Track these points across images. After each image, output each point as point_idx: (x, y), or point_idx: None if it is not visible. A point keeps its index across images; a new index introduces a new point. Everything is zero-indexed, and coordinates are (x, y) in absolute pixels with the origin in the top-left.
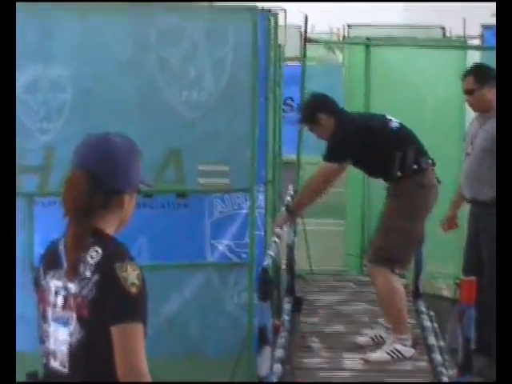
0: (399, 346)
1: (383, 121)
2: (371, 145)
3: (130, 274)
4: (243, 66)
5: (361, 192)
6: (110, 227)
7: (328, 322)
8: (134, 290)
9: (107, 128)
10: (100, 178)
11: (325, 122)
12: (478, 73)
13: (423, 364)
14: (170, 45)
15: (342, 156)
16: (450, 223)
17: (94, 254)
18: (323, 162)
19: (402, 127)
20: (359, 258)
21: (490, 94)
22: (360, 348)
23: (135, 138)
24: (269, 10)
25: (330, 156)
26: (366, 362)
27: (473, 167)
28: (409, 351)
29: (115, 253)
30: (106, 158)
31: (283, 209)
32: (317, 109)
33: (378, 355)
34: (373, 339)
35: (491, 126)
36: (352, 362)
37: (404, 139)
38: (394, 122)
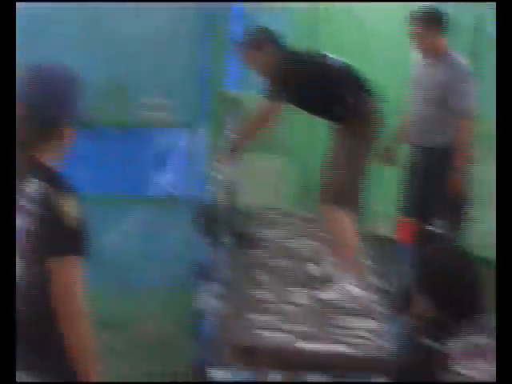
0: (349, 286)
1: (325, 58)
2: (313, 82)
3: (71, 207)
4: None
5: (302, 128)
6: (51, 159)
7: (273, 256)
8: (73, 222)
9: (53, 58)
10: (38, 108)
11: (265, 55)
12: (421, 17)
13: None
14: None
15: (282, 94)
16: (390, 157)
17: (35, 187)
18: (264, 100)
19: (346, 66)
20: (301, 195)
21: (437, 38)
22: (308, 283)
23: (80, 68)
24: None
25: (270, 93)
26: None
27: (423, 114)
28: (358, 290)
29: (55, 185)
30: (43, 88)
31: (225, 144)
32: (261, 38)
33: (329, 295)
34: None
35: (441, 71)
36: (300, 296)
37: (349, 78)
38: (338, 60)
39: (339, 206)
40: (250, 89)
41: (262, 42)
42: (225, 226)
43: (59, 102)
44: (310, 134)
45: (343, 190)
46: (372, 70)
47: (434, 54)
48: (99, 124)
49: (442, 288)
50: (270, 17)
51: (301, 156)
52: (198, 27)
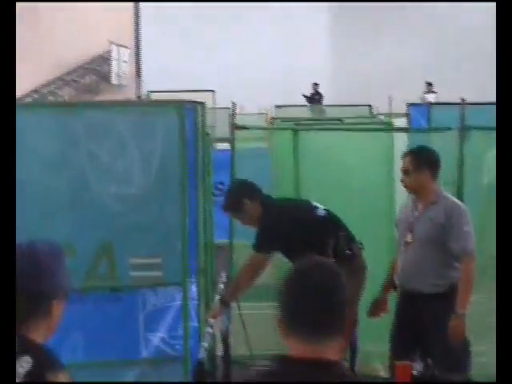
0: None
1: (310, 208)
2: (300, 233)
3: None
4: (172, 159)
5: None
6: (39, 335)
7: None
8: None
9: (38, 225)
10: (27, 285)
11: (249, 208)
12: (416, 155)
13: None
14: (99, 140)
15: (269, 245)
16: (383, 307)
17: (25, 364)
18: (252, 252)
19: (329, 214)
20: None
21: (426, 177)
22: None
23: (66, 233)
24: (196, 102)
25: (259, 246)
26: None
27: (417, 257)
28: None
29: (45, 362)
30: (30, 266)
31: (217, 297)
32: (241, 195)
33: None
34: None
35: (436, 213)
36: None
37: (334, 225)
38: (320, 210)
39: None
40: (239, 236)
41: (244, 198)
42: (221, 380)
43: (47, 279)
44: None
45: None
46: (354, 211)
47: (426, 195)
48: (89, 289)
49: None
50: (254, 157)
51: None
52: (183, 183)
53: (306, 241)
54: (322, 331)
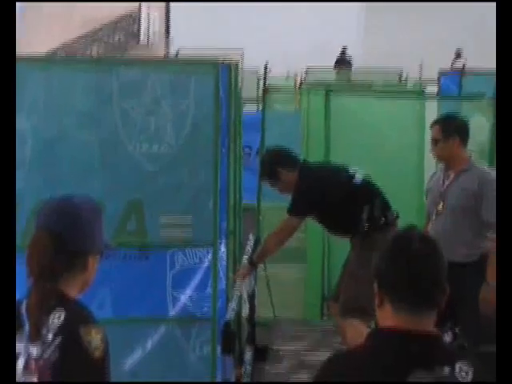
0: None
1: (347, 174)
2: (336, 198)
3: (94, 338)
4: (205, 118)
5: (321, 239)
6: (73, 289)
7: (293, 371)
8: (97, 353)
9: (68, 181)
10: (64, 239)
11: (285, 177)
12: (445, 123)
13: None
14: (132, 97)
15: (305, 209)
16: None
17: (57, 317)
18: (287, 215)
19: (366, 180)
20: (320, 307)
21: (456, 146)
22: None
23: (97, 190)
24: (231, 61)
25: (293, 209)
26: None
27: (448, 226)
28: None
29: (79, 316)
30: (70, 220)
31: (245, 258)
32: (276, 164)
33: None
34: None
35: (467, 182)
36: None
37: (370, 192)
38: (358, 176)
39: (359, 319)
40: (267, 198)
41: (279, 167)
42: (246, 341)
43: (85, 234)
44: (328, 243)
45: (363, 302)
46: (383, 175)
47: (457, 164)
48: (119, 246)
49: None
50: (282, 119)
51: (320, 264)
52: (215, 142)
53: (340, 206)
54: (426, 303)
